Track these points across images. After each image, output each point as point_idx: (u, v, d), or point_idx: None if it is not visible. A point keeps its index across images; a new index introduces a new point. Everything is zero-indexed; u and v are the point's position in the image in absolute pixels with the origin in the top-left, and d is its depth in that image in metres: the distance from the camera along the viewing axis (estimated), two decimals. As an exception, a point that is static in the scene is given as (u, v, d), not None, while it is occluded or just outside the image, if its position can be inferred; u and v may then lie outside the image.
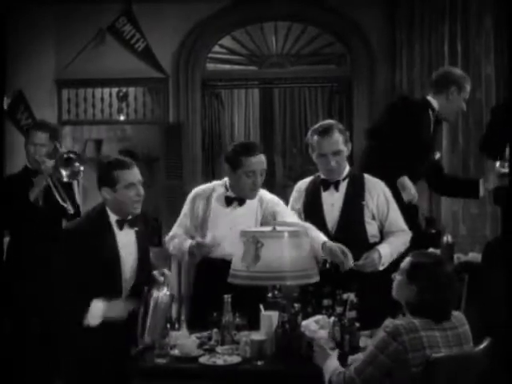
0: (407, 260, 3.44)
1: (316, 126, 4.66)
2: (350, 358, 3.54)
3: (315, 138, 4.56)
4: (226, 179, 4.58)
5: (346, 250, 4.19)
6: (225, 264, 4.15)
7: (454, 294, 3.35)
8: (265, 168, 4.47)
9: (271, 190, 4.79)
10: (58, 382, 4.33)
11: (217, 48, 7.77)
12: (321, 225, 4.49)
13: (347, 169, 4.62)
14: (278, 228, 3.92)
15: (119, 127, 8.73)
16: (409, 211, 4.94)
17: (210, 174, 8.37)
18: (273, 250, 3.76)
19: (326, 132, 4.52)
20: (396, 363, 3.20)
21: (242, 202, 4.49)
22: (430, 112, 5.22)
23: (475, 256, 5.97)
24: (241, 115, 9.19)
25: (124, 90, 8.01)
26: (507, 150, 5.10)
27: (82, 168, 5.37)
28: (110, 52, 7.43)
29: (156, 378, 3.74)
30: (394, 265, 3.95)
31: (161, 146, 7.63)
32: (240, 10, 7.41)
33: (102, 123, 8.29)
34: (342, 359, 3.53)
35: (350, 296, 3.84)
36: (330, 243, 4.23)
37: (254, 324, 3.95)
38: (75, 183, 5.59)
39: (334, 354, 3.52)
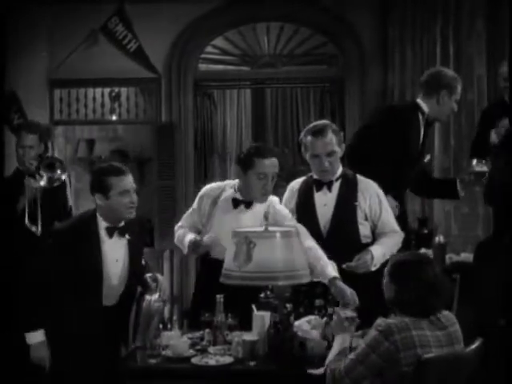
0: (390, 261, 3.49)
1: (310, 126, 4.64)
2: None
3: (309, 138, 4.54)
4: (237, 181, 4.53)
5: (355, 294, 4.04)
6: None
7: (437, 293, 3.33)
8: (277, 172, 4.41)
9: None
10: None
11: (209, 48, 7.78)
12: (313, 225, 4.49)
13: (340, 169, 4.62)
14: (270, 228, 3.92)
15: (111, 127, 8.71)
16: (400, 216, 4.94)
17: (203, 175, 8.39)
18: (265, 251, 3.76)
19: (319, 132, 4.51)
20: (387, 363, 3.21)
21: (248, 206, 4.44)
22: (420, 116, 5.13)
23: (467, 256, 5.98)
24: (233, 115, 9.19)
25: (116, 90, 8.01)
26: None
27: (62, 177, 5.33)
28: (102, 52, 7.42)
29: (148, 379, 3.74)
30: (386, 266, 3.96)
31: (153, 146, 7.62)
32: (232, 10, 7.41)
33: (94, 123, 8.28)
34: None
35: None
36: (340, 283, 4.06)
37: (246, 324, 3.95)
38: (68, 185, 5.56)
39: (349, 334, 3.52)
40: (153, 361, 3.72)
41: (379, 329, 3.24)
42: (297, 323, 3.86)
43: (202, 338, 4.02)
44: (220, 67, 8.00)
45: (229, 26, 7.63)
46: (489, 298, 4.90)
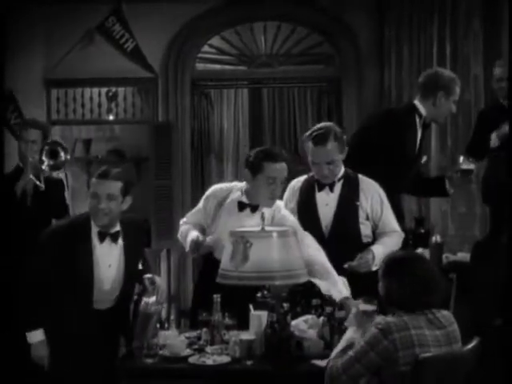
0: (384, 260, 3.53)
1: (312, 129, 4.57)
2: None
3: (309, 144, 4.51)
4: (244, 183, 4.47)
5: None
6: None
7: (432, 288, 3.34)
8: (285, 176, 4.35)
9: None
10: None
11: (206, 48, 7.78)
12: (315, 225, 4.49)
13: (342, 170, 4.60)
14: (267, 228, 3.92)
15: (108, 127, 8.69)
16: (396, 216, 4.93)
17: (199, 174, 8.37)
18: (262, 250, 3.75)
19: (320, 141, 4.46)
20: (385, 362, 3.21)
21: (254, 210, 4.38)
22: (417, 118, 5.09)
23: (464, 256, 5.99)
24: (230, 115, 9.17)
25: (113, 89, 7.99)
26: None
27: (68, 157, 5.36)
28: (99, 52, 7.42)
29: (145, 378, 3.73)
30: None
31: (150, 146, 7.60)
32: (229, 9, 7.42)
33: (91, 123, 8.26)
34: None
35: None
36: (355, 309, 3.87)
37: (243, 324, 3.95)
38: (65, 184, 5.56)
39: (363, 329, 3.47)
40: (150, 360, 3.71)
41: (379, 327, 3.24)
42: (294, 323, 3.87)
43: (199, 338, 4.02)
44: (217, 67, 8.00)
45: (226, 26, 7.63)
46: (485, 298, 4.92)
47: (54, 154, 5.35)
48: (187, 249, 4.51)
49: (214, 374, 3.65)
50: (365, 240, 4.56)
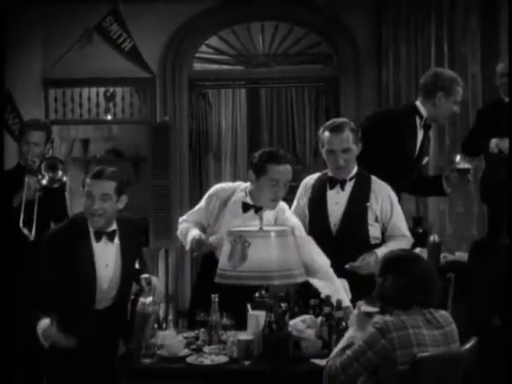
0: (380, 260, 3.56)
1: (328, 122, 4.65)
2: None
3: (326, 133, 4.54)
4: (248, 184, 4.46)
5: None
6: None
7: (429, 287, 3.35)
8: (290, 179, 4.34)
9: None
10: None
11: (204, 48, 7.78)
12: (323, 222, 4.52)
13: (355, 169, 4.61)
14: (265, 228, 3.92)
15: (106, 127, 8.70)
16: None
17: (197, 174, 8.37)
18: (260, 250, 3.75)
19: (337, 129, 4.51)
20: (383, 361, 3.21)
21: (257, 211, 4.32)
22: (418, 119, 5.09)
23: (462, 255, 5.98)
24: (228, 115, 9.19)
25: (111, 89, 7.99)
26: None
27: (64, 178, 5.34)
28: (96, 52, 7.42)
29: (143, 378, 3.73)
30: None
31: (148, 146, 7.62)
32: (227, 9, 7.41)
33: (89, 123, 8.27)
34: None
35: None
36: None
37: (241, 324, 3.95)
38: (66, 186, 5.55)
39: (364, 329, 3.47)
40: (148, 360, 3.71)
41: (376, 326, 3.24)
42: (292, 322, 3.87)
43: (197, 338, 4.02)
44: (214, 67, 8.01)
45: (223, 26, 7.63)
46: (483, 297, 4.91)
47: (52, 168, 5.33)
48: (187, 247, 4.49)
49: (211, 374, 3.65)
50: (373, 242, 4.55)
